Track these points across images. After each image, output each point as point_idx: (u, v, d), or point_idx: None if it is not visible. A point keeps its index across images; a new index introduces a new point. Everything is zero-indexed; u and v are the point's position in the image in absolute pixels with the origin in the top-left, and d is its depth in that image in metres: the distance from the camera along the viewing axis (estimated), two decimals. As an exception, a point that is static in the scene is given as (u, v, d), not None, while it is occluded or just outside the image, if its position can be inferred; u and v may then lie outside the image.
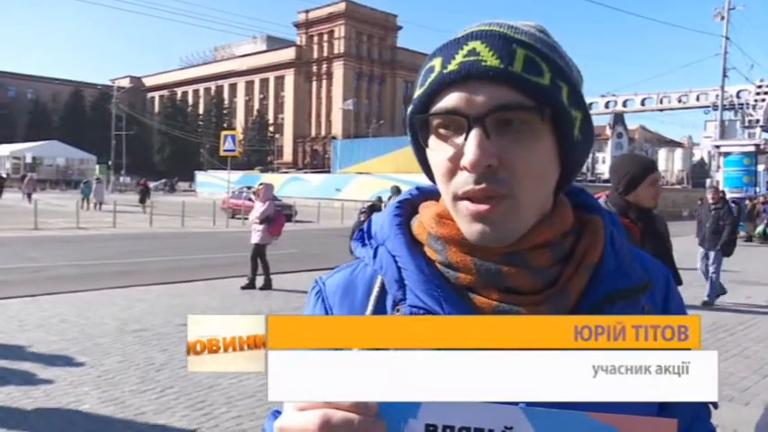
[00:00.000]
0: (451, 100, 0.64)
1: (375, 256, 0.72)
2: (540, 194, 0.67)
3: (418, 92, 0.68)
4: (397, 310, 0.68)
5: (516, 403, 0.58)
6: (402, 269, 0.69)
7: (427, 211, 0.74)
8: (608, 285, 0.68)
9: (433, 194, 0.77)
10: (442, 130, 0.66)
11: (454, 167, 0.65)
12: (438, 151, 0.66)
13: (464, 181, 0.64)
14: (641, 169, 2.91)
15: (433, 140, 0.67)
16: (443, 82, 0.64)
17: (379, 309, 0.71)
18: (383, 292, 0.71)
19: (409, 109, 0.69)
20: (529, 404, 0.59)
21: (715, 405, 0.77)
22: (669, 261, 2.98)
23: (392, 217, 0.75)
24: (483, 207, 0.63)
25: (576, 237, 0.71)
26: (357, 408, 0.51)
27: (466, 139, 0.63)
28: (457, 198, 0.65)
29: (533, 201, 0.66)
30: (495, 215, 0.64)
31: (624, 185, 2.87)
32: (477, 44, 0.64)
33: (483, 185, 0.63)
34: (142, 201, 26.89)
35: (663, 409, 0.70)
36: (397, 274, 0.69)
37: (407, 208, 0.77)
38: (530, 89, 0.63)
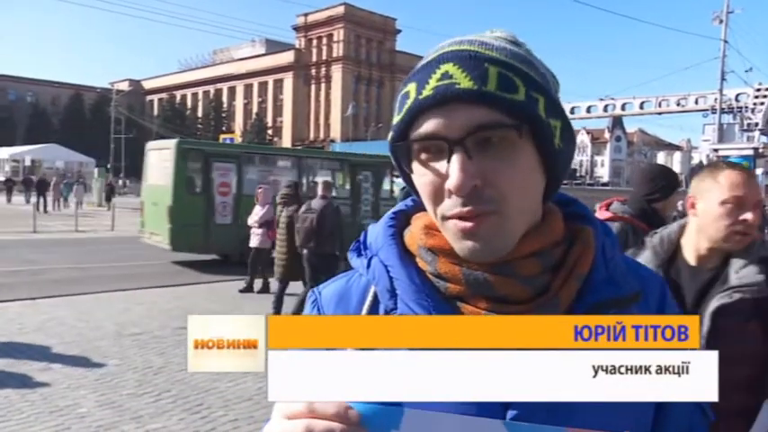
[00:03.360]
0: (430, 125, 0.64)
1: (369, 266, 0.73)
2: (526, 206, 0.67)
3: (396, 119, 0.68)
4: None
5: (516, 403, 0.58)
6: (394, 279, 0.70)
7: (417, 222, 0.75)
8: (598, 295, 0.68)
9: None
10: (423, 155, 0.66)
11: (439, 190, 0.65)
12: (421, 176, 0.67)
13: (451, 204, 0.65)
14: (675, 181, 3.07)
15: (415, 165, 0.68)
16: (419, 108, 0.65)
17: None
18: (376, 301, 0.72)
19: (389, 135, 0.70)
20: (529, 404, 0.58)
21: (713, 416, 0.77)
22: None
23: (386, 228, 0.76)
24: (469, 224, 0.64)
25: (568, 246, 0.72)
26: (340, 417, 0.52)
27: (449, 162, 0.63)
28: (444, 218, 0.66)
29: (520, 214, 0.66)
30: (483, 231, 0.64)
31: (662, 193, 2.98)
32: (449, 66, 0.64)
33: (470, 207, 0.63)
34: (108, 199, 29.22)
35: (658, 416, 0.70)
36: (388, 284, 0.70)
37: (402, 219, 0.78)
38: (506, 106, 0.63)
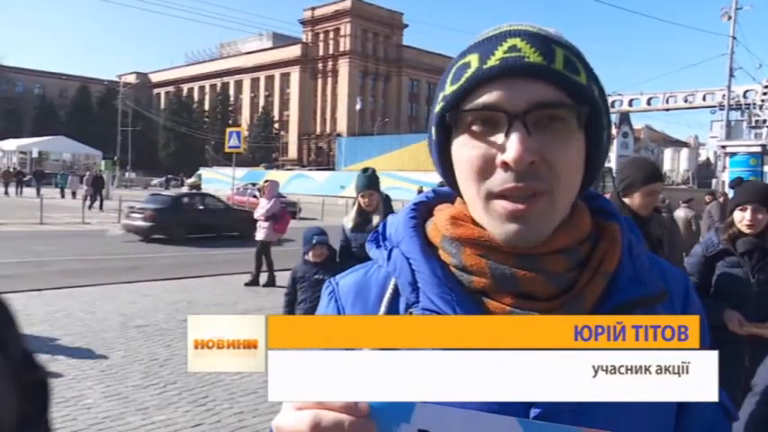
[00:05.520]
0: (492, 96, 0.63)
1: (389, 258, 0.71)
2: (572, 194, 0.66)
3: (452, 88, 0.66)
4: (410, 313, 0.67)
5: (515, 403, 0.58)
6: (416, 271, 0.68)
7: (442, 213, 0.73)
8: (624, 293, 0.67)
9: (448, 198, 0.76)
10: (476, 127, 0.65)
11: (489, 165, 0.64)
12: (471, 148, 0.65)
13: (503, 178, 0.63)
14: (642, 176, 2.90)
15: (464, 137, 0.66)
16: (483, 77, 0.63)
17: (392, 311, 0.70)
18: (396, 294, 0.71)
19: (439, 105, 0.68)
20: (553, 404, 0.57)
21: (737, 415, 0.75)
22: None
23: (407, 219, 0.74)
24: (520, 206, 0.63)
25: (593, 243, 0.70)
26: (348, 409, 0.52)
27: (507, 135, 0.62)
28: (492, 197, 0.64)
29: (567, 200, 0.66)
30: (533, 214, 0.63)
31: (623, 187, 2.90)
32: (517, 41, 0.64)
33: (524, 183, 0.62)
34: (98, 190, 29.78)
35: (680, 416, 0.69)
36: (410, 277, 0.68)
37: (423, 210, 0.76)
38: (569, 87, 0.63)
